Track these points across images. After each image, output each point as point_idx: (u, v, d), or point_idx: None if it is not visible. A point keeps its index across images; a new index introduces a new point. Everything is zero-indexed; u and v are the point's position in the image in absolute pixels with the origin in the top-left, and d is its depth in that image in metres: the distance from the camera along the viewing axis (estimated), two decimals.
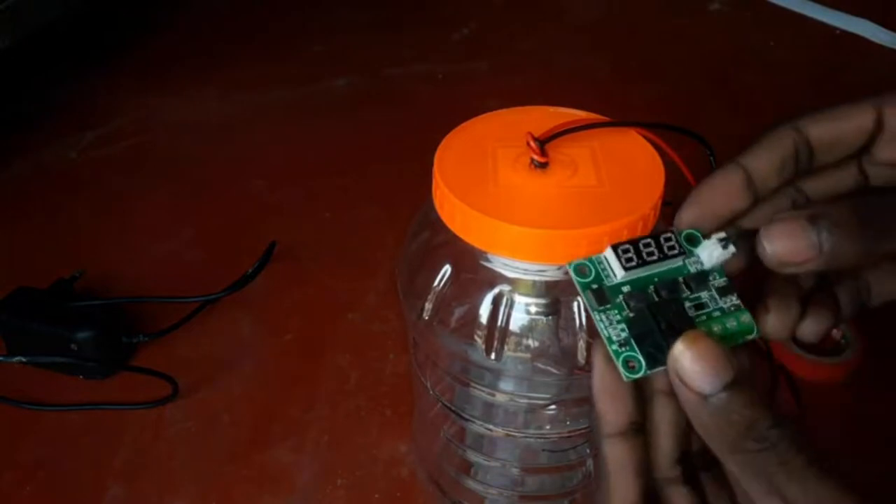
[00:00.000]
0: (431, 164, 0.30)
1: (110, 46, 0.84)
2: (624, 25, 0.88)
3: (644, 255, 0.25)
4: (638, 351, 0.24)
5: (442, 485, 0.41)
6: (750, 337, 0.25)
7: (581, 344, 0.31)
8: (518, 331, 0.31)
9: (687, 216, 0.26)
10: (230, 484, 0.43)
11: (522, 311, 0.31)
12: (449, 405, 0.37)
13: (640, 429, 0.25)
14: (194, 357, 0.50)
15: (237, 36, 0.88)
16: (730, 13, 0.90)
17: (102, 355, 0.47)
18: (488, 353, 0.31)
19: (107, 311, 0.49)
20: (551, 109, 0.35)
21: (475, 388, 0.35)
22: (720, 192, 0.26)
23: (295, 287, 0.54)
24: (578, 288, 0.25)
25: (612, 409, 0.24)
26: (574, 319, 0.31)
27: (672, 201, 0.28)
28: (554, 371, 0.33)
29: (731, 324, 0.25)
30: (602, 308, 0.25)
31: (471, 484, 0.40)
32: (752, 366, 0.25)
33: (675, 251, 0.26)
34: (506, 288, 0.31)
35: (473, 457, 0.39)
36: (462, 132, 0.34)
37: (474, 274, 0.31)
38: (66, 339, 0.46)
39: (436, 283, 0.33)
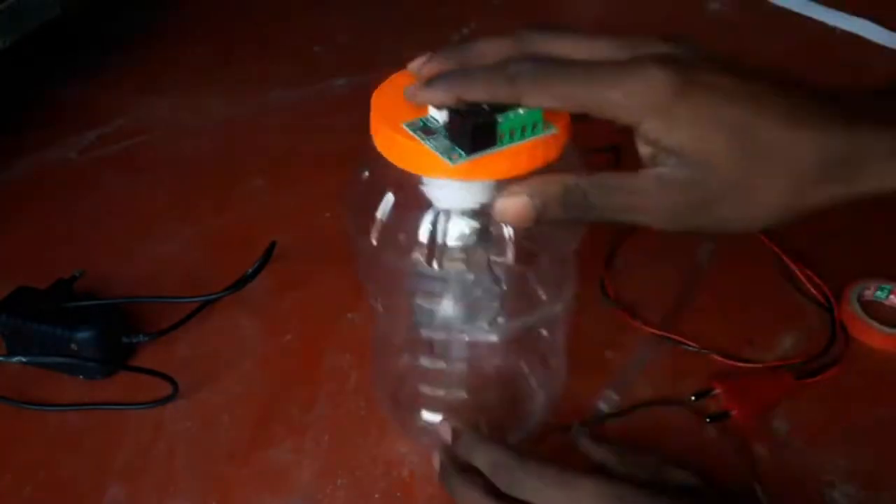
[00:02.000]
0: None
1: (110, 46, 0.84)
2: (624, 25, 0.88)
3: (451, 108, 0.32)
4: (461, 147, 0.31)
5: (401, 410, 0.46)
6: (539, 131, 0.32)
7: (509, 253, 0.37)
8: (454, 244, 0.36)
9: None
10: (230, 484, 0.43)
11: (457, 227, 0.36)
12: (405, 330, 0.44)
13: None
14: (194, 357, 0.50)
15: (237, 36, 0.88)
16: (730, 13, 0.90)
17: (102, 355, 0.47)
18: (430, 263, 0.36)
19: (107, 311, 0.49)
20: None
21: (423, 303, 0.40)
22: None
23: (295, 287, 0.54)
24: (409, 131, 0.32)
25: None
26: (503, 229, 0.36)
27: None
28: (489, 280, 0.38)
29: (522, 111, 0.31)
30: (429, 137, 0.32)
31: (428, 397, 0.45)
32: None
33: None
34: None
35: (427, 382, 0.45)
36: (395, 80, 0.39)
37: (413, 198, 0.35)
38: (66, 339, 0.46)
39: (380, 212, 0.37)
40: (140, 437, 0.45)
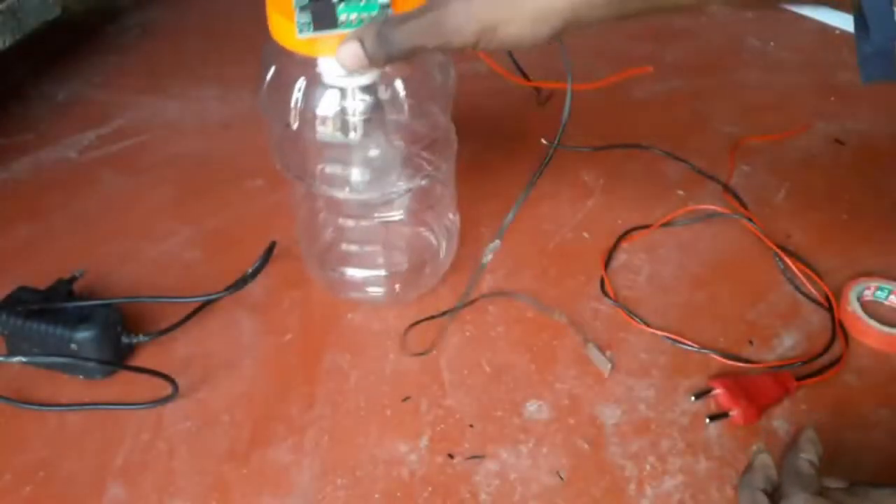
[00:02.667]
0: None
1: (110, 46, 0.84)
2: (624, 25, 0.88)
3: None
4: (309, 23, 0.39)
5: (325, 270, 0.54)
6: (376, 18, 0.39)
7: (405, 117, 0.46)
8: (356, 117, 0.44)
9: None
10: (230, 484, 0.43)
11: (358, 100, 0.44)
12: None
13: None
14: (194, 357, 0.50)
15: (237, 36, 0.88)
16: (730, 13, 0.90)
17: (102, 355, 0.47)
18: (344, 133, 0.44)
19: (106, 310, 0.49)
20: None
21: (335, 170, 0.49)
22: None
23: (295, 287, 0.54)
24: (295, 4, 0.39)
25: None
26: (399, 98, 0.45)
27: None
28: (391, 148, 0.49)
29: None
30: (301, 11, 0.39)
31: (348, 253, 0.54)
32: None
33: None
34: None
35: (346, 247, 0.54)
36: None
37: (318, 82, 0.43)
38: (67, 338, 0.46)
39: (292, 98, 0.44)
40: (140, 437, 0.45)
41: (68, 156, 0.68)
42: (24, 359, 0.47)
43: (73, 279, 0.51)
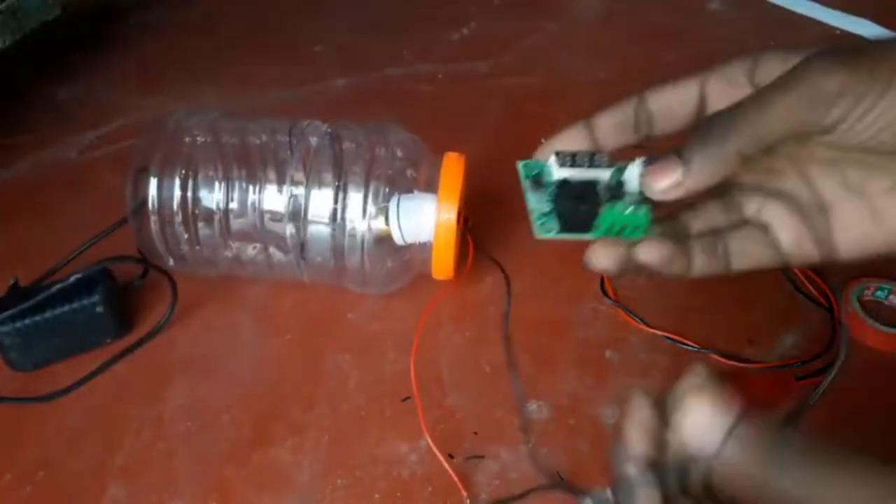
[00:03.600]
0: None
1: (110, 47, 0.84)
2: (624, 25, 0.88)
3: (576, 160, 0.32)
4: (556, 220, 0.32)
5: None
6: (638, 233, 0.32)
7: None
8: None
9: (539, 156, 0.33)
10: (230, 484, 0.43)
11: None
12: None
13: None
14: (194, 357, 0.50)
15: (237, 36, 0.88)
16: (730, 13, 0.90)
17: (119, 308, 0.50)
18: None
19: (94, 274, 0.48)
20: None
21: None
22: (565, 142, 0.33)
23: (295, 287, 0.54)
24: (522, 178, 0.33)
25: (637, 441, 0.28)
26: None
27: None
28: None
29: (629, 211, 0.31)
30: (535, 191, 0.32)
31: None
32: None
33: (604, 165, 0.32)
34: None
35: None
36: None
37: None
38: (89, 307, 0.47)
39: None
40: (140, 437, 0.45)
41: (68, 156, 0.68)
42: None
43: (16, 283, 0.50)
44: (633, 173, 0.32)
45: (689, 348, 0.49)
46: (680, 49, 0.81)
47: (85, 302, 0.47)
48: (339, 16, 0.91)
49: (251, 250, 0.50)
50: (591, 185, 0.32)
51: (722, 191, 0.32)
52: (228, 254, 0.50)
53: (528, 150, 0.64)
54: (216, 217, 0.49)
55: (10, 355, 0.48)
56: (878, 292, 0.52)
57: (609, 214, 0.31)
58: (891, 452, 0.43)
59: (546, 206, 0.32)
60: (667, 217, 0.32)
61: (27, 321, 0.47)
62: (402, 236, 0.48)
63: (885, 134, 0.27)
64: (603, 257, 0.30)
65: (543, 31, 0.87)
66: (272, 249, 0.50)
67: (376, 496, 0.42)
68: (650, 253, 0.31)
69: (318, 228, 0.48)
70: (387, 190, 0.48)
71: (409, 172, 0.49)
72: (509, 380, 0.48)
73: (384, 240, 0.48)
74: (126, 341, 0.50)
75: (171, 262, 0.50)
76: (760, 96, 0.27)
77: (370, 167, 0.48)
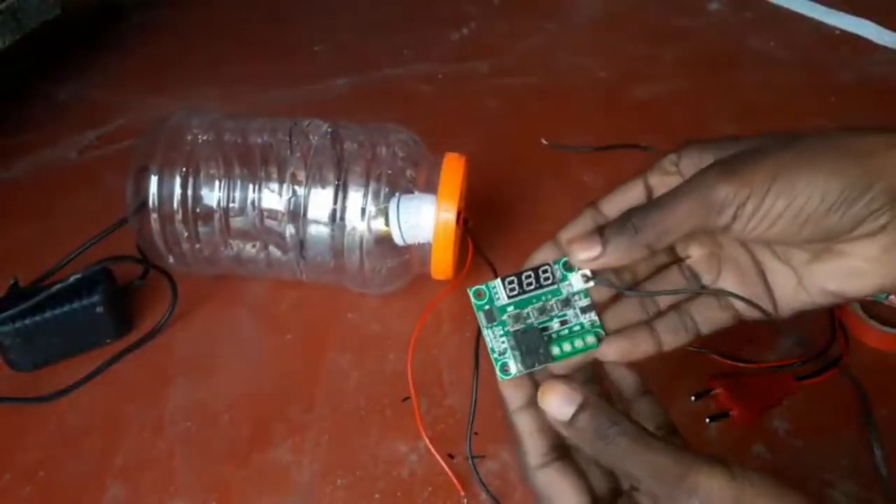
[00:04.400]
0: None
1: (110, 46, 0.84)
2: (624, 25, 0.88)
3: (524, 285, 0.34)
4: (512, 358, 0.33)
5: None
6: (592, 354, 0.34)
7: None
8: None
9: (544, 254, 0.35)
10: (230, 484, 0.43)
11: None
12: None
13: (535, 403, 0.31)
14: (194, 356, 0.50)
15: (237, 36, 0.88)
16: (730, 13, 0.90)
17: (119, 308, 0.50)
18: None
19: (94, 274, 0.48)
20: None
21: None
22: (539, 259, 0.35)
23: (295, 287, 0.54)
24: (475, 308, 0.34)
25: (513, 395, 0.33)
26: None
27: None
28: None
29: (578, 343, 0.34)
30: (490, 325, 0.34)
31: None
32: (598, 384, 0.35)
33: (550, 280, 0.34)
34: None
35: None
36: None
37: None
38: (90, 307, 0.47)
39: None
40: (140, 437, 0.45)
41: (68, 156, 0.68)
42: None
43: (16, 283, 0.50)
44: (575, 284, 0.35)
45: (690, 348, 0.49)
46: (680, 49, 0.81)
47: (85, 302, 0.47)
48: (339, 15, 0.91)
49: (251, 249, 0.50)
50: (540, 307, 0.34)
51: (678, 260, 0.36)
52: (228, 252, 0.50)
53: (527, 150, 0.63)
54: (216, 215, 0.49)
55: (10, 355, 0.48)
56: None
57: (562, 332, 0.34)
58: (891, 452, 0.44)
59: (502, 343, 0.34)
60: (633, 287, 0.36)
61: (27, 321, 0.47)
62: (402, 237, 0.48)
63: (778, 227, 0.30)
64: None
65: (543, 31, 0.87)
66: (272, 248, 0.50)
67: (376, 496, 0.42)
68: (611, 352, 0.34)
69: (318, 228, 0.48)
70: (387, 190, 0.48)
71: (408, 173, 0.49)
72: None
73: (383, 240, 0.48)
74: (126, 341, 0.50)
75: (171, 259, 0.50)
76: (664, 201, 0.31)
77: (370, 167, 0.48)
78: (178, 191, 0.48)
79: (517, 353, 0.33)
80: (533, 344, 0.34)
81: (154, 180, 0.48)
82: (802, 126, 0.69)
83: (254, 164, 0.49)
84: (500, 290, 0.34)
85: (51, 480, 0.43)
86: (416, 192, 0.49)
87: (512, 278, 0.34)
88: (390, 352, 0.50)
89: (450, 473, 0.42)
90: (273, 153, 0.50)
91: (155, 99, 0.76)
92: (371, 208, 0.48)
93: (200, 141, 0.50)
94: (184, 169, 0.48)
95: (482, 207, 0.59)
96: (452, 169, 0.48)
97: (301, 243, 0.49)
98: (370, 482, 0.43)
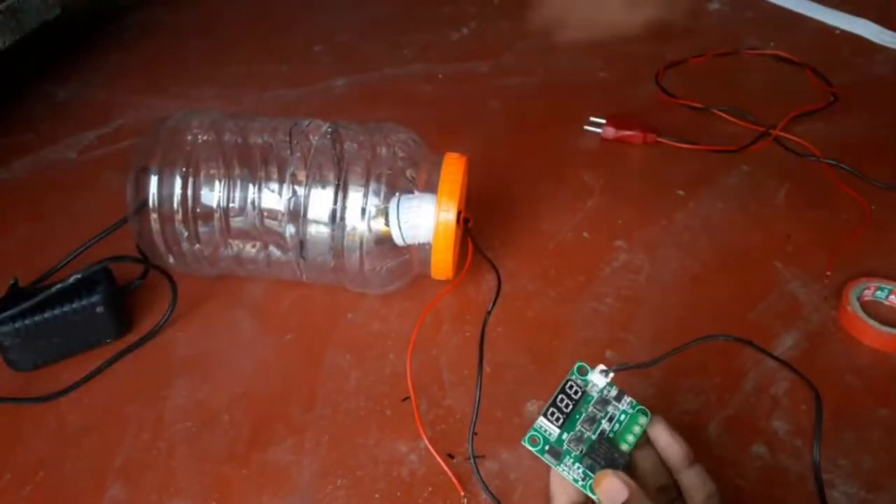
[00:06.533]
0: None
1: (110, 47, 0.84)
2: (624, 26, 0.88)
3: (563, 408, 0.37)
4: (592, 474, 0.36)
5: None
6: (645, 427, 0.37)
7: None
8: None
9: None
10: (230, 484, 0.43)
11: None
12: None
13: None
14: (194, 356, 0.50)
15: (237, 36, 0.88)
16: (730, 13, 0.90)
17: (119, 308, 0.50)
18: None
19: (90, 275, 0.48)
20: None
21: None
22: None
23: (295, 287, 0.54)
24: (539, 455, 0.36)
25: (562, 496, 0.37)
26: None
27: None
28: None
29: (636, 430, 0.37)
30: (560, 462, 0.36)
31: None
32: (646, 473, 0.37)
33: (578, 392, 0.38)
34: None
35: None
36: None
37: None
38: (90, 307, 0.47)
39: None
40: (140, 437, 0.45)
41: (68, 156, 0.68)
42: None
43: (16, 282, 0.50)
44: (598, 383, 0.38)
45: (690, 349, 0.49)
46: (680, 49, 0.81)
47: (85, 302, 0.47)
48: (339, 16, 0.91)
49: (251, 249, 0.50)
50: (588, 419, 0.37)
51: None
52: (228, 252, 0.50)
53: (527, 150, 0.63)
54: (216, 215, 0.49)
55: (10, 355, 0.48)
56: (878, 292, 0.52)
57: (615, 427, 0.37)
58: (891, 452, 0.44)
59: (578, 471, 0.36)
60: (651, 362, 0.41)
61: (27, 321, 0.47)
62: (402, 237, 0.48)
63: None
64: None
65: (543, 30, 0.87)
66: (272, 248, 0.50)
67: (376, 496, 0.42)
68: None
69: (318, 228, 0.48)
70: (386, 190, 0.48)
71: (409, 172, 0.49)
72: (510, 380, 0.48)
73: (383, 240, 0.48)
74: (126, 341, 0.50)
75: (171, 259, 0.50)
76: None
77: (370, 167, 0.48)
78: (178, 191, 0.48)
79: (598, 468, 0.36)
80: (606, 453, 0.36)
81: (154, 180, 0.48)
82: (802, 126, 0.69)
83: (254, 165, 0.49)
84: (547, 427, 0.37)
85: (51, 480, 0.43)
86: (416, 192, 0.49)
87: (552, 409, 0.37)
88: (390, 352, 0.50)
89: (450, 473, 0.42)
90: (273, 153, 0.50)
91: (155, 99, 0.76)
92: (371, 208, 0.48)
93: (200, 141, 0.50)
94: (184, 169, 0.48)
95: (482, 207, 0.59)
96: (452, 169, 0.48)
97: (301, 243, 0.49)
98: (370, 482, 0.43)
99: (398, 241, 0.48)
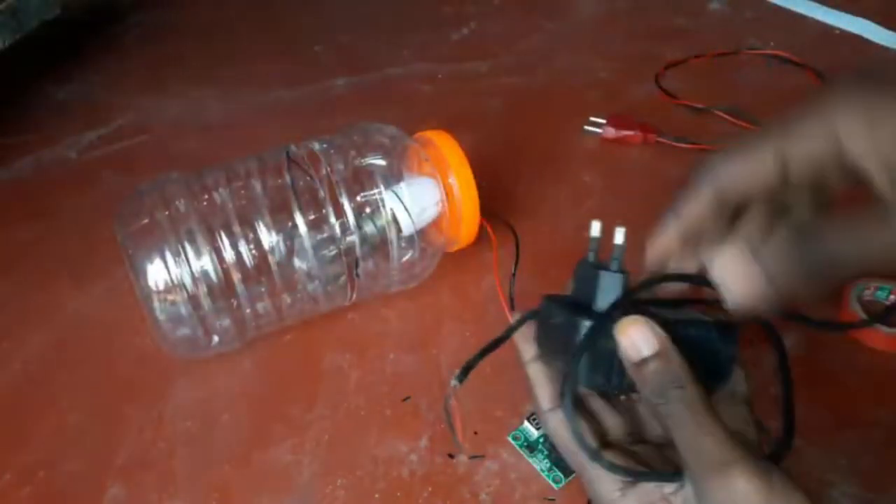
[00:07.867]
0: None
1: (110, 47, 0.84)
2: (624, 25, 0.88)
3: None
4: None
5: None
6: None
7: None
8: None
9: (650, 264, 0.34)
10: (230, 484, 0.43)
11: None
12: None
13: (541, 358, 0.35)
14: (194, 356, 0.50)
15: (237, 36, 0.88)
16: (730, 13, 0.90)
17: None
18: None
19: None
20: None
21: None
22: (662, 248, 0.33)
23: None
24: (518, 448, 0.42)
25: (526, 348, 0.36)
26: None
27: None
28: None
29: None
30: (532, 454, 0.41)
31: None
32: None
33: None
34: None
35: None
36: None
37: None
38: None
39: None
40: (140, 436, 0.45)
41: (68, 156, 0.68)
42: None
43: None
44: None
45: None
46: (680, 49, 0.81)
47: None
48: (339, 16, 0.91)
49: (287, 298, 0.48)
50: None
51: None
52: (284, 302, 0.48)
53: (527, 151, 0.63)
54: (216, 287, 0.45)
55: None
56: (879, 292, 0.52)
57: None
58: (892, 452, 0.44)
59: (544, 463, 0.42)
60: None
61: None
62: (412, 221, 0.48)
63: None
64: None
65: (543, 31, 0.87)
66: (315, 284, 0.48)
67: (376, 496, 0.42)
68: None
69: (322, 255, 0.48)
70: (380, 189, 0.48)
71: (394, 164, 0.50)
72: (509, 380, 0.48)
73: (383, 242, 0.48)
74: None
75: (216, 339, 0.47)
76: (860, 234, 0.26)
77: (355, 177, 0.48)
78: (188, 281, 0.44)
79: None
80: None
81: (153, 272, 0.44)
82: None
83: (232, 229, 0.46)
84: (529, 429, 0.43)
85: (51, 480, 0.43)
86: (408, 178, 0.49)
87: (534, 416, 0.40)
88: (390, 352, 0.50)
89: (450, 473, 0.42)
90: (242, 209, 0.47)
91: (155, 99, 0.76)
92: (370, 210, 0.48)
93: (178, 214, 0.46)
94: (174, 256, 0.44)
95: (482, 207, 0.59)
96: (445, 143, 0.50)
97: (356, 261, 0.48)
98: (370, 482, 0.43)
99: (408, 228, 0.48)
